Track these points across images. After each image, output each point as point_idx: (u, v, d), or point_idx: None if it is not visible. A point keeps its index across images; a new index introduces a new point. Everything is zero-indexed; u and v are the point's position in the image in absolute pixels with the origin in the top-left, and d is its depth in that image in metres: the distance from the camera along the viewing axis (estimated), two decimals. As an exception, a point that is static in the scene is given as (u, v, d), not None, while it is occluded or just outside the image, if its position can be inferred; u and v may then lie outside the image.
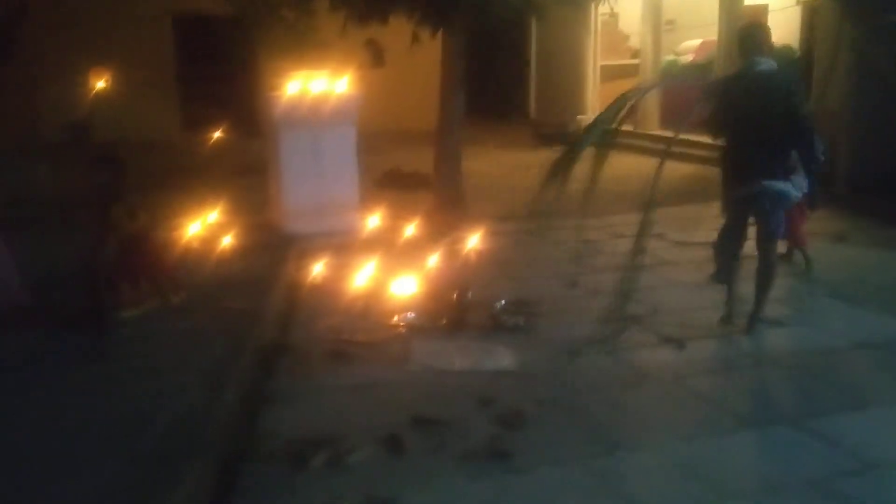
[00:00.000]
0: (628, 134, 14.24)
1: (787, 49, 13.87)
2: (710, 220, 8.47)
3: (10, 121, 12.73)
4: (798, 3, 14.38)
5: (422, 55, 8.76)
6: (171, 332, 5.19)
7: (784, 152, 5.17)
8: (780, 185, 5.15)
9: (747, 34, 5.37)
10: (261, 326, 5.43)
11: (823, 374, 4.83)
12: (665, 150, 7.77)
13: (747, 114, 5.10)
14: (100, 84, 11.28)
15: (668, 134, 12.61)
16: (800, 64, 13.05)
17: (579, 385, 4.73)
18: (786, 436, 4.09)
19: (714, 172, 9.12)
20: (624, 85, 15.71)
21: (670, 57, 14.94)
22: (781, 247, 6.02)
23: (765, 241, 5.37)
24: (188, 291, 5.70)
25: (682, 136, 12.51)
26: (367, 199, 8.39)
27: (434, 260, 6.48)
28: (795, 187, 5.33)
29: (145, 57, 14.22)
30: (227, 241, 6.85)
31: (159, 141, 13.37)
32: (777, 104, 5.05)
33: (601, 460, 3.85)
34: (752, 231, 5.52)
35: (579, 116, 15.52)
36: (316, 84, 7.84)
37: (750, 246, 5.55)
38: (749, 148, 5.13)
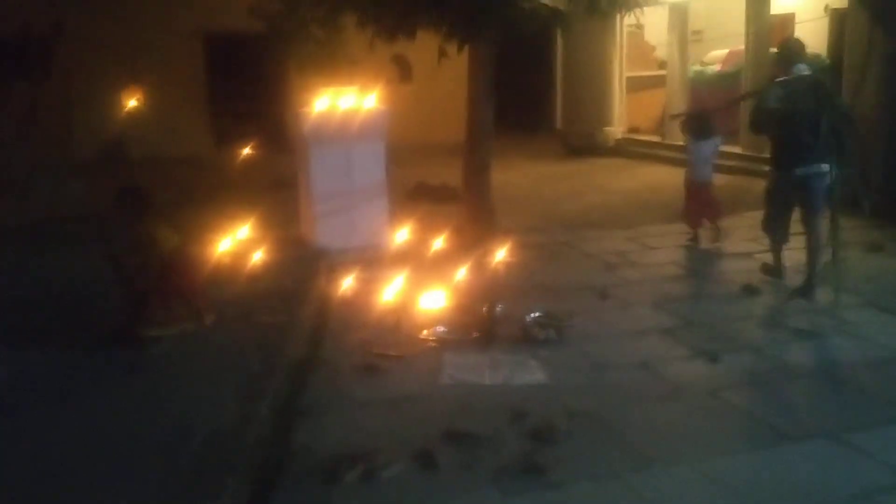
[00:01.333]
0: (658, 145, 14.19)
1: (815, 57, 13.76)
2: (743, 231, 8.43)
3: (45, 138, 12.96)
4: (826, 11, 14.26)
5: (449, 69, 8.79)
6: (205, 346, 5.24)
7: (827, 139, 6.04)
8: (826, 168, 6.09)
9: (787, 46, 6.43)
10: (293, 341, 5.46)
11: (861, 387, 4.76)
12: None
13: (799, 109, 6.04)
14: (133, 102, 11.47)
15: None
16: (829, 72, 12.95)
17: (612, 398, 4.70)
18: (824, 450, 4.03)
19: (748, 182, 9.14)
20: (650, 96, 15.69)
21: (697, 67, 14.86)
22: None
23: (811, 216, 6.28)
24: (221, 306, 5.75)
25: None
26: (396, 212, 8.42)
27: (464, 273, 6.48)
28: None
29: (178, 74, 14.42)
30: (258, 256, 6.90)
31: (191, 157, 13.54)
32: (823, 100, 6.06)
33: (637, 475, 3.82)
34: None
35: (606, 128, 15.48)
36: (345, 100, 7.90)
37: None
38: (799, 137, 6.07)
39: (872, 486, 3.69)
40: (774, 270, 6.67)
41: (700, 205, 8.17)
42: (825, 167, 6.08)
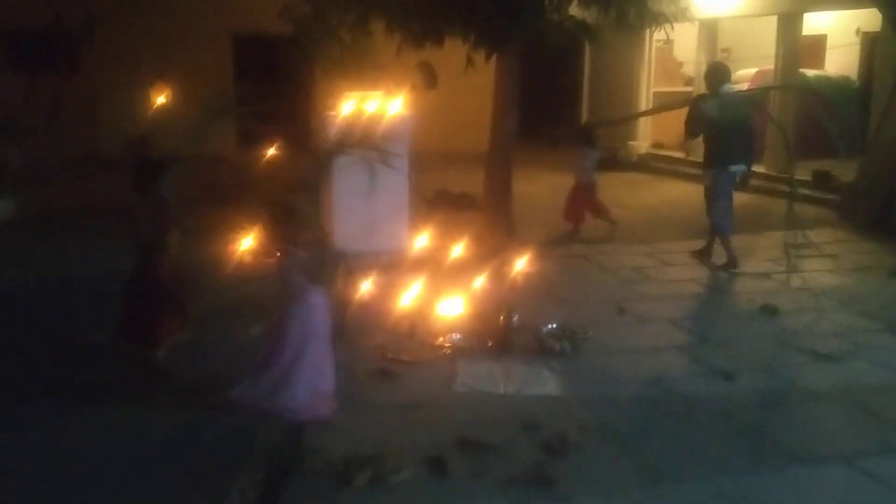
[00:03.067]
0: (681, 161, 14.12)
1: (844, 80, 13.66)
2: (762, 251, 8.38)
3: (72, 134, 13.10)
4: (858, 34, 14.15)
5: (475, 78, 8.80)
6: (219, 347, 5.27)
7: (738, 143, 7.60)
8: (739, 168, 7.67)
9: (717, 69, 7.97)
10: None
11: (878, 412, 4.71)
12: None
13: (730, 118, 7.53)
14: (159, 99, 11.54)
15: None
16: (858, 95, 12.86)
17: (625, 413, 4.68)
18: (837, 474, 4.00)
19: (770, 203, 9.19)
20: (676, 112, 15.57)
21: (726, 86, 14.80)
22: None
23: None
24: (236, 306, 5.76)
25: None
26: (416, 219, 8.43)
27: (481, 282, 6.47)
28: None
29: (204, 73, 14.52)
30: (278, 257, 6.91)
31: (215, 156, 13.60)
32: (738, 112, 7.66)
33: (646, 491, 3.80)
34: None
35: (630, 142, 15.42)
36: (370, 104, 7.92)
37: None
38: (730, 140, 7.56)
39: (885, 513, 3.65)
40: (704, 253, 8.02)
41: (582, 203, 9.27)
42: (744, 166, 7.72)
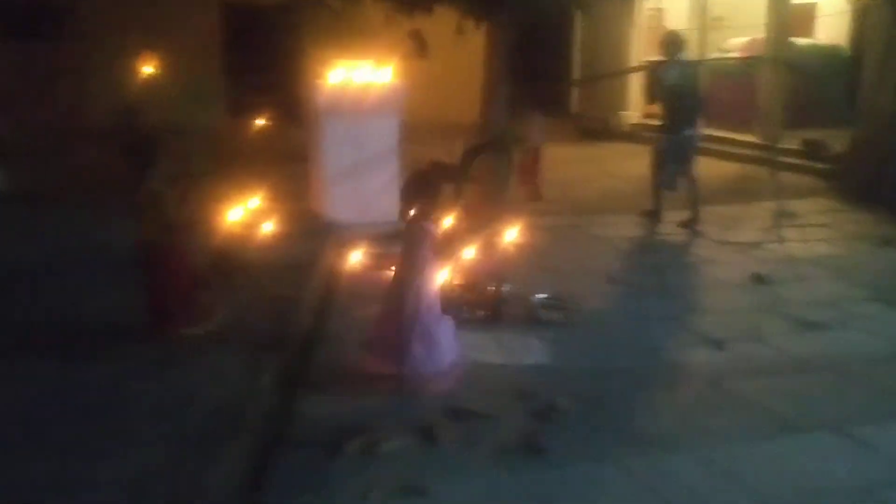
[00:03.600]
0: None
1: (835, 49, 13.61)
2: (753, 220, 8.40)
3: (60, 104, 12.96)
4: (849, 3, 14.07)
5: (467, 48, 8.74)
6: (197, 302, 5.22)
7: (693, 109, 8.09)
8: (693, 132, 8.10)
9: (672, 39, 8.27)
10: (300, 314, 5.48)
11: (866, 380, 4.74)
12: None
13: (687, 85, 8.05)
14: (148, 70, 11.43)
15: (716, 133, 12.46)
16: (848, 64, 12.82)
17: (615, 382, 4.71)
18: (827, 442, 4.03)
19: (759, 172, 9.17)
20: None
21: (716, 54, 14.73)
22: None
23: (691, 165, 8.19)
24: (229, 276, 5.74)
25: (728, 135, 12.40)
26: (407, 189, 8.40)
27: (473, 252, 6.47)
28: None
29: (194, 44, 14.36)
30: (269, 228, 6.90)
31: (205, 127, 13.50)
32: (690, 80, 8.15)
33: (636, 459, 3.82)
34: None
35: (621, 112, 15.38)
36: (360, 73, 7.86)
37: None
38: (685, 106, 8.02)
39: (876, 480, 3.68)
40: (654, 214, 8.37)
41: (532, 165, 9.60)
42: (696, 129, 8.11)
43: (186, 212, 5.03)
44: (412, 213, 4.55)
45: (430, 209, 4.56)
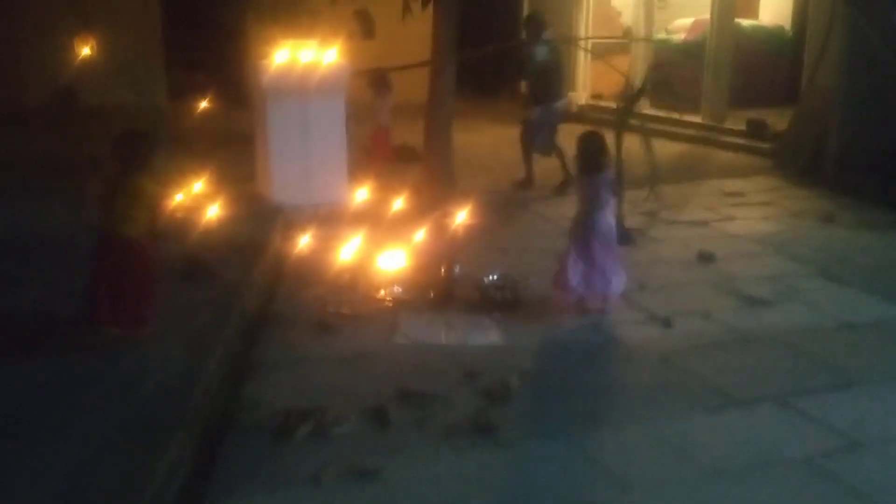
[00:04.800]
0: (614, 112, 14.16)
1: (778, 29, 13.82)
2: (699, 198, 8.51)
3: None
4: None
5: (413, 27, 8.65)
6: (156, 301, 5.12)
7: (559, 82, 9.17)
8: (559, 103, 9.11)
9: (537, 19, 9.14)
10: (246, 296, 5.39)
11: (809, 353, 4.84)
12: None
13: (553, 61, 8.95)
14: (85, 49, 11.10)
15: (659, 113, 12.57)
16: (791, 44, 13.04)
17: (566, 360, 4.72)
18: (772, 414, 4.10)
19: (707, 151, 9.24)
20: (615, 62, 15.58)
21: (662, 35, 14.83)
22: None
23: (556, 133, 9.05)
24: (172, 262, 5.59)
25: (673, 116, 12.53)
26: (355, 171, 8.32)
27: (422, 233, 6.43)
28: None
29: (132, 21, 13.97)
30: (214, 211, 6.76)
31: (144, 108, 13.18)
32: (556, 56, 9.06)
33: (586, 436, 3.85)
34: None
35: (569, 93, 15.40)
36: (305, 53, 7.73)
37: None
38: (553, 81, 8.95)
39: (818, 449, 3.76)
40: (527, 182, 9.08)
41: (381, 146, 9.95)
42: (563, 101, 9.19)
43: (164, 210, 4.83)
44: (589, 164, 5.41)
45: (605, 161, 5.44)
